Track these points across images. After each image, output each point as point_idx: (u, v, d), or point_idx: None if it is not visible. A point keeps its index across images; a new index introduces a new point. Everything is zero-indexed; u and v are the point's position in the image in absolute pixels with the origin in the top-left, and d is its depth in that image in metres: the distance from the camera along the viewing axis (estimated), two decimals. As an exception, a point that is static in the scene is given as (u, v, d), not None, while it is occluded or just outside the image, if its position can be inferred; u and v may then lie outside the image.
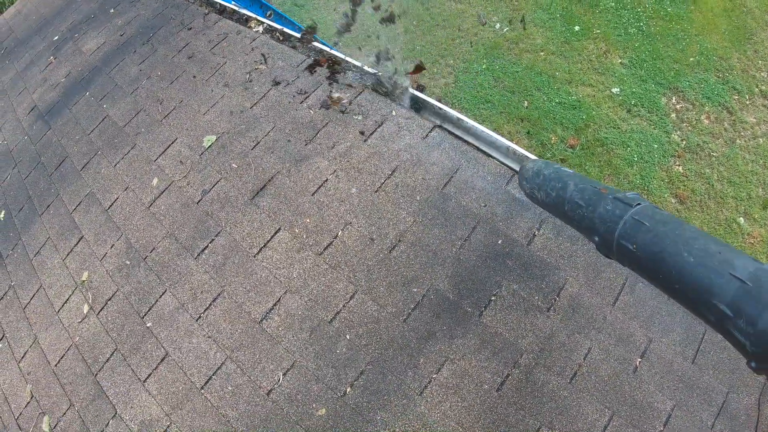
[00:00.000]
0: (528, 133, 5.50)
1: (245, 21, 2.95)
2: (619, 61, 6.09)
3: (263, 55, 2.61)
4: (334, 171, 2.18)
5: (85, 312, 2.22)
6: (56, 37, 3.68)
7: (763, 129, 5.75)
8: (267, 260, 2.05)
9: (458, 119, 2.34)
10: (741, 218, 5.23)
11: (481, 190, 2.12)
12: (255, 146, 2.32)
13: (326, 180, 2.17)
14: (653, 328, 1.84)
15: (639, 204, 1.04)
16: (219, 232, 2.15)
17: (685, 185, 5.31)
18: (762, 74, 6.11)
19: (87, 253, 2.35)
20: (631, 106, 5.73)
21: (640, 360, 1.78)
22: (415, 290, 1.94)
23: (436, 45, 6.28)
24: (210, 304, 2.02)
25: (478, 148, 2.33)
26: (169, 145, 2.47)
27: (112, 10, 3.49)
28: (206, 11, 3.03)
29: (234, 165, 2.29)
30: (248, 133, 2.37)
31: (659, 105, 5.75)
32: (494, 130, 5.15)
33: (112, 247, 2.30)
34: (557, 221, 1.99)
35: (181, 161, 2.39)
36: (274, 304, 1.97)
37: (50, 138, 2.90)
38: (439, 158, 2.18)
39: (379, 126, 2.27)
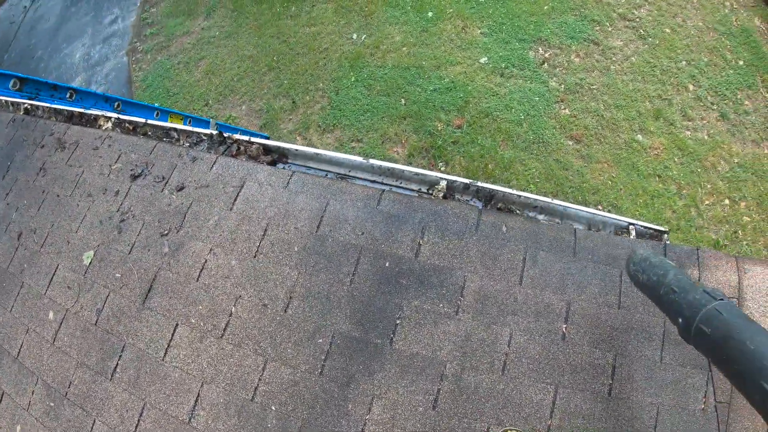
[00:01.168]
0: (414, 128, 5.55)
1: (94, 120, 2.89)
2: (479, 31, 6.17)
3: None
4: (210, 249, 2.18)
5: (25, 468, 2.21)
6: None
7: (632, 48, 5.94)
8: (175, 359, 2.05)
9: (316, 154, 2.36)
10: (638, 135, 5.39)
11: (354, 219, 2.13)
12: (131, 249, 2.30)
13: (205, 261, 2.16)
14: (568, 290, 1.88)
15: (722, 299, 1.18)
16: (124, 347, 2.13)
17: (576, 125, 5.44)
18: None
19: (12, 407, 2.31)
20: (502, 70, 5.83)
21: (565, 326, 1.83)
22: (321, 341, 1.93)
23: (301, 73, 6.28)
24: (138, 420, 2.02)
25: (342, 176, 2.36)
26: (54, 273, 2.43)
27: None
28: (54, 123, 2.96)
29: (117, 274, 2.28)
30: (122, 238, 2.34)
31: (528, 60, 5.87)
32: (381, 136, 5.27)
33: (33, 393, 2.27)
34: (436, 225, 2.04)
35: (68, 286, 2.36)
36: (196, 400, 1.98)
37: None
38: (305, 202, 2.20)
39: (241, 189, 2.28)
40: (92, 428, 2.10)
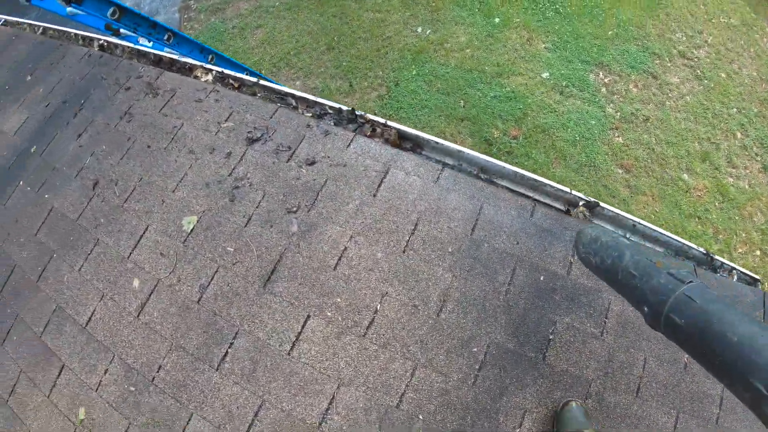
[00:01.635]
0: (470, 132, 5.33)
1: (189, 71, 2.58)
2: (543, 46, 6.00)
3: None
4: (351, 236, 1.91)
5: (95, 456, 1.90)
6: None
7: (687, 87, 5.85)
8: (305, 355, 1.79)
9: (459, 151, 2.16)
10: (685, 174, 5.31)
11: (509, 227, 1.93)
12: (248, 222, 2.02)
13: (345, 249, 1.89)
14: None
15: (691, 281, 1.06)
16: (236, 334, 1.86)
17: (627, 154, 5.33)
18: (677, 35, 6.20)
19: (75, 384, 1.99)
20: (563, 88, 5.67)
21: (686, 357, 1.84)
22: (475, 349, 1.77)
23: (362, 58, 6.00)
24: (253, 420, 1.75)
25: (491, 181, 2.17)
26: (142, 235, 2.12)
27: (28, 77, 2.96)
28: (141, 65, 2.62)
29: (230, 248, 2.00)
30: (235, 207, 2.06)
31: (589, 82, 5.74)
32: (437, 134, 5.09)
33: (106, 373, 1.95)
34: None
35: (161, 253, 2.05)
36: (330, 403, 1.74)
37: None
38: (458, 202, 1.98)
39: (385, 176, 2.05)
40: (188, 423, 1.81)
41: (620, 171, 5.23)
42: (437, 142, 2.16)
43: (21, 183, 2.52)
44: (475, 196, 2.00)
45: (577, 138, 5.34)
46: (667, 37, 6.15)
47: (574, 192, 2.18)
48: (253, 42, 6.37)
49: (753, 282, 2.19)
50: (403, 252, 1.88)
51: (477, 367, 1.76)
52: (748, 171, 5.43)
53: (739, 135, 5.60)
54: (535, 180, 2.16)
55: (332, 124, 2.22)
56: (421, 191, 1.98)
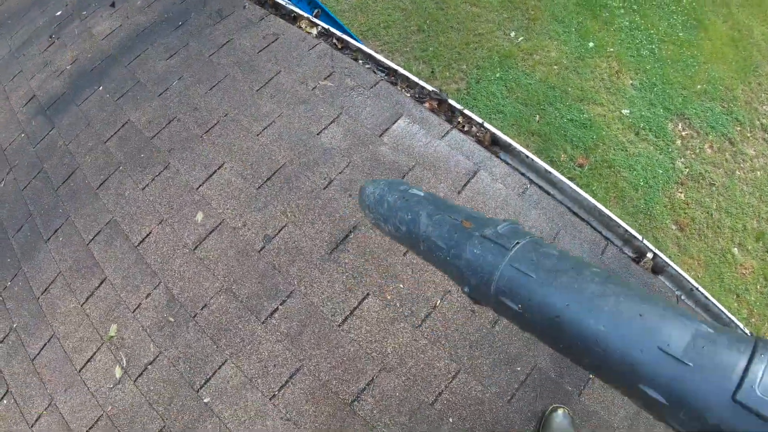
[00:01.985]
0: (538, 148, 5.28)
1: (293, 20, 2.57)
2: (630, 82, 5.93)
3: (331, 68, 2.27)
4: None
5: (117, 376, 1.87)
6: (59, 12, 3.09)
7: (761, 162, 5.75)
8: (355, 331, 1.77)
9: (546, 171, 2.13)
10: (735, 249, 5.23)
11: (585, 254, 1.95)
12: (328, 185, 2.01)
13: None
14: None
15: (518, 243, 0.72)
16: (291, 293, 1.84)
17: (686, 213, 5.28)
18: (764, 108, 6.08)
19: (113, 300, 1.99)
20: (639, 129, 5.61)
21: None
22: (519, 369, 1.76)
23: (449, 48, 5.95)
24: (287, 382, 1.73)
25: (571, 211, 2.15)
26: (215, 171, 2.11)
27: None
28: (247, 1, 2.62)
29: (303, 206, 1.99)
30: (317, 167, 2.05)
31: (666, 130, 5.66)
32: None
33: (147, 297, 1.95)
34: None
35: (232, 195, 2.05)
36: (367, 384, 1.71)
37: (54, 139, 2.44)
38: (537, 220, 1.94)
39: (473, 177, 2.02)
40: (221, 367, 1.80)
41: (674, 227, 5.16)
42: (527, 156, 2.13)
43: (101, 88, 2.52)
44: (554, 220, 1.97)
45: (641, 183, 5.27)
46: (754, 106, 6.02)
47: (645, 241, 2.15)
48: (345, 5, 6.35)
49: None
50: (476, 255, 1.86)
51: (516, 386, 1.75)
52: (798, 261, 5.36)
53: (799, 223, 5.53)
54: (611, 219, 2.13)
55: (429, 110, 2.20)
56: (504, 200, 1.96)
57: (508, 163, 2.16)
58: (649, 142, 5.55)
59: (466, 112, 2.21)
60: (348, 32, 3.38)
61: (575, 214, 2.09)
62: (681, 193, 5.35)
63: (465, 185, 1.96)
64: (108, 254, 2.05)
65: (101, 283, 2.02)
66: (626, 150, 5.45)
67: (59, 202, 2.24)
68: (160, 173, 2.15)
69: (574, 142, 5.41)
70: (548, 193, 2.10)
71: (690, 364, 0.50)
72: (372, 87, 2.19)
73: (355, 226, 1.89)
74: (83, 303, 2.01)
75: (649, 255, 2.14)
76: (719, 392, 0.47)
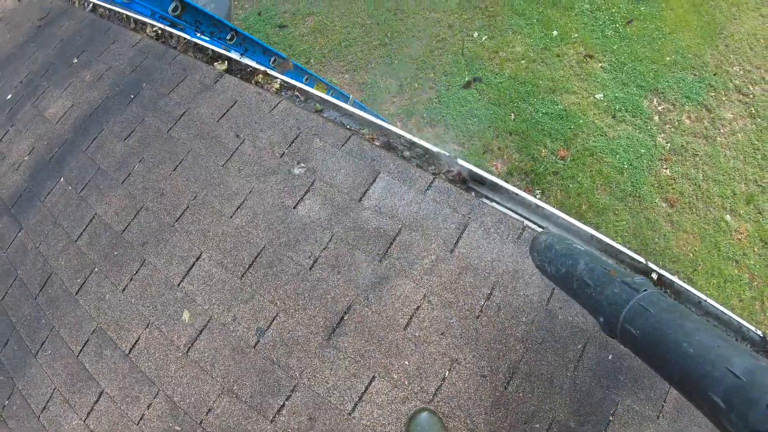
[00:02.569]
0: (518, 147, 5.23)
1: (251, 75, 2.49)
2: (600, 65, 5.92)
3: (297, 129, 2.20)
4: (424, 295, 1.82)
5: (132, 496, 1.87)
6: (9, 96, 3.00)
7: (740, 124, 5.77)
8: (366, 417, 1.73)
9: (537, 206, 2.11)
10: (728, 216, 5.26)
11: (585, 302, 1.93)
12: (313, 264, 1.96)
13: (417, 308, 1.81)
14: None
15: (646, 290, 1.08)
16: (295, 386, 1.80)
17: (673, 188, 5.28)
18: (735, 69, 6.08)
19: (115, 413, 1.94)
20: (615, 112, 5.61)
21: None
22: (537, 426, 1.71)
23: (414, 58, 5.87)
24: (306, 480, 1.73)
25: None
26: (194, 263, 2.05)
27: (75, 60, 2.85)
28: (199, 63, 2.53)
29: (291, 291, 1.96)
30: (299, 246, 1.99)
31: (642, 108, 5.66)
32: (484, 146, 5.04)
33: (149, 407, 1.89)
34: None
35: (216, 287, 2.01)
36: (390, 468, 1.72)
37: (24, 242, 2.34)
38: (535, 267, 1.95)
39: (463, 231, 1.99)
40: (236, 473, 1.79)
41: (664, 205, 5.17)
42: (516, 193, 2.11)
43: (62, 180, 2.45)
44: (554, 263, 1.95)
45: (625, 166, 5.26)
46: (725, 69, 6.01)
47: (650, 264, 2.14)
48: (304, 29, 6.24)
49: None
50: (477, 318, 1.81)
51: (538, 442, 1.73)
52: (791, 219, 5.41)
53: (787, 180, 5.56)
54: (612, 246, 2.12)
55: (406, 160, 2.16)
56: (500, 251, 1.91)
57: (496, 202, 2.14)
58: (627, 123, 5.53)
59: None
60: (309, 72, 3.30)
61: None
62: (666, 169, 5.35)
63: (456, 243, 1.92)
64: (100, 366, 2.00)
65: (99, 396, 1.97)
66: (605, 135, 5.42)
67: (41, 312, 2.18)
68: (137, 271, 2.09)
69: (552, 135, 5.38)
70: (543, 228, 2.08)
71: (744, 379, 0.78)
72: (343, 144, 2.13)
73: (350, 306, 1.84)
74: (85, 419, 1.96)
75: (654, 275, 2.13)
76: (759, 402, 0.74)
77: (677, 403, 1.81)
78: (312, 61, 5.83)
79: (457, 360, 1.76)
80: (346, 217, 1.95)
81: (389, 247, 1.91)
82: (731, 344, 0.85)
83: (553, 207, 2.01)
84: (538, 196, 4.99)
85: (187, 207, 2.11)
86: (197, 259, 2.01)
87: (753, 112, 5.74)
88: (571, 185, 5.03)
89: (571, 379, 1.77)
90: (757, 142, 5.57)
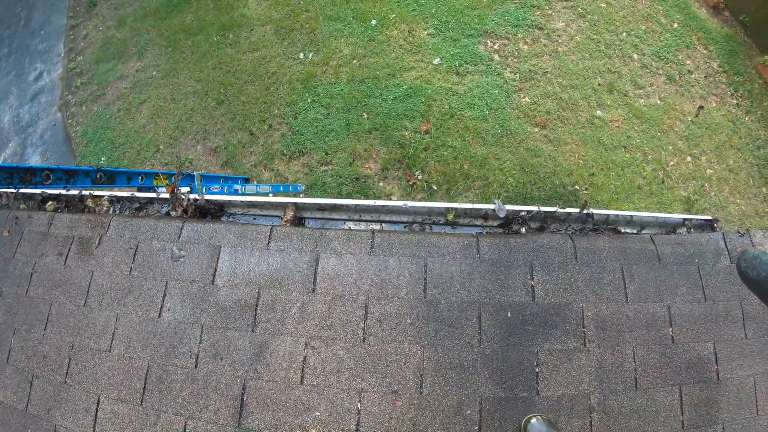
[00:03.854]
0: (382, 141, 5.24)
1: (80, 202, 2.35)
2: (426, 33, 5.93)
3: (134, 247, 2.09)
4: (306, 344, 1.76)
5: None
6: None
7: (574, 27, 5.90)
8: None
9: (383, 206, 2.05)
10: (598, 111, 5.39)
11: (459, 274, 1.84)
12: (197, 362, 1.83)
13: (304, 358, 1.76)
14: (664, 296, 1.91)
15: None
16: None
17: (538, 111, 5.36)
18: None
19: None
20: (457, 68, 5.63)
21: (671, 329, 1.86)
22: (469, 412, 1.68)
23: (253, 102, 5.78)
24: None
25: (428, 223, 2.07)
26: (97, 408, 1.90)
27: None
28: (29, 212, 2.36)
29: (189, 396, 1.84)
30: (178, 350, 1.84)
31: (480, 54, 5.70)
32: (350, 154, 4.99)
33: None
34: (539, 262, 1.89)
35: (123, 424, 1.88)
36: None
37: None
38: (400, 266, 1.85)
39: (317, 265, 1.90)
40: None
41: (537, 129, 5.26)
42: (357, 205, 2.04)
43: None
44: (415, 254, 1.88)
45: (486, 112, 5.33)
46: (540, -15, 6.16)
47: (510, 206, 2.10)
48: (142, 119, 6.09)
49: (709, 223, 2.24)
50: (363, 341, 1.76)
51: (477, 428, 1.68)
52: (654, 87, 5.56)
53: (635, 56, 5.71)
54: (457, 208, 2.07)
55: (242, 220, 2.06)
56: (359, 269, 1.86)
57: (342, 221, 2.07)
58: (471, 73, 5.62)
59: (274, 199, 2.07)
60: (129, 171, 3.15)
61: (428, 232, 2.02)
62: (524, 97, 5.45)
63: (315, 280, 1.85)
64: None
65: None
66: (457, 93, 5.49)
67: None
68: (51, 438, 1.95)
69: (408, 115, 5.40)
70: (401, 227, 2.02)
71: None
72: (179, 236, 2.04)
73: (244, 385, 1.78)
74: None
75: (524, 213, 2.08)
76: None
77: (598, 322, 1.83)
78: (161, 146, 5.69)
79: (363, 389, 1.72)
80: (207, 304, 1.89)
81: (256, 314, 1.87)
82: None
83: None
84: (420, 177, 4.95)
85: (70, 359, 2.00)
86: (98, 404, 1.91)
87: (581, 11, 5.91)
88: (445, 153, 5.05)
89: (480, 353, 1.76)
90: (595, 36, 5.73)
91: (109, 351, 1.96)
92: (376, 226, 2.05)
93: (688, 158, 5.20)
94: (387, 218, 2.10)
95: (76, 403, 1.96)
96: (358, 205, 2.03)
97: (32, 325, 2.16)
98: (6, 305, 2.26)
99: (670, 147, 5.23)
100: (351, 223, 2.06)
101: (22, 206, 2.50)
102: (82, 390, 1.97)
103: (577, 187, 4.95)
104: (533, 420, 1.66)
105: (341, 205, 2.05)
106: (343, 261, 1.88)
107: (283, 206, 2.06)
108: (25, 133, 6.53)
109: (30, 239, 2.33)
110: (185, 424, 1.79)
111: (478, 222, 2.13)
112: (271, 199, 2.06)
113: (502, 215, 2.05)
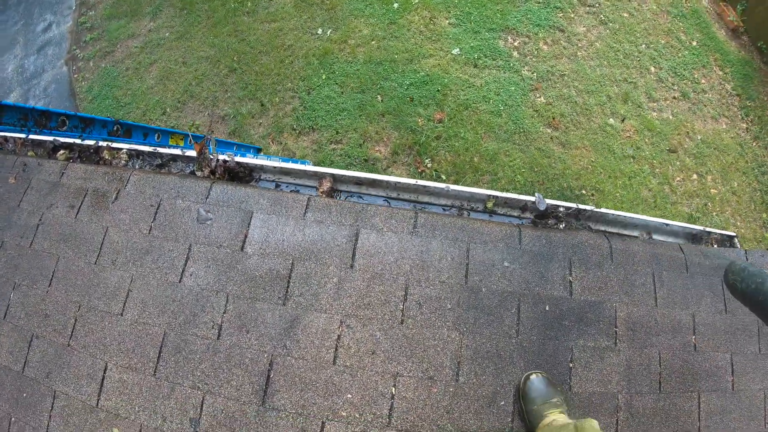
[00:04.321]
0: (394, 125, 5.13)
1: (96, 153, 2.20)
2: (448, 22, 5.81)
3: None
4: (341, 322, 1.66)
5: None
6: None
7: (595, 33, 5.84)
8: None
9: (424, 187, 1.96)
10: (610, 119, 5.33)
11: (500, 262, 1.76)
12: (220, 333, 1.70)
13: (338, 337, 1.65)
14: (690, 304, 1.91)
15: None
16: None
17: (552, 112, 5.28)
18: None
19: None
20: (476, 61, 5.53)
21: (694, 337, 1.88)
22: (503, 402, 1.62)
23: (267, 74, 5.62)
24: None
25: (465, 209, 1.99)
26: (103, 376, 1.77)
27: None
28: (39, 160, 2.20)
29: (208, 369, 1.71)
30: (199, 319, 1.71)
31: (500, 49, 5.61)
32: (361, 135, 4.87)
33: None
34: (578, 259, 1.86)
35: (134, 392, 1.73)
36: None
37: None
38: (443, 249, 1.75)
39: (356, 241, 1.79)
40: None
41: (549, 130, 5.19)
42: (398, 182, 1.94)
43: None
44: (458, 238, 1.79)
45: (501, 107, 5.25)
46: (565, -13, 6.11)
47: (549, 200, 2.05)
48: (151, 80, 5.90)
49: (729, 239, 2.25)
50: (402, 323, 1.66)
51: (509, 419, 1.62)
52: (668, 102, 5.54)
53: (652, 69, 5.69)
54: (498, 196, 2.01)
55: (276, 187, 1.95)
56: (400, 248, 1.76)
57: (382, 199, 1.97)
58: (489, 67, 5.52)
59: (307, 167, 1.96)
60: (147, 127, 3.00)
61: (471, 211, 1.95)
62: (540, 97, 5.37)
63: (353, 256, 1.75)
64: None
65: None
66: (473, 85, 5.38)
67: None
68: (53, 405, 1.82)
69: (423, 102, 5.29)
70: (439, 209, 1.94)
71: None
72: (207, 197, 1.91)
73: (271, 361, 1.66)
74: None
75: (562, 209, 2.06)
76: None
77: (628, 323, 1.81)
78: (168, 109, 5.51)
79: (398, 373, 1.61)
80: (234, 272, 1.75)
81: (288, 287, 1.74)
82: None
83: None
84: (429, 165, 4.87)
85: (76, 320, 1.86)
86: (105, 371, 1.77)
87: (603, 18, 5.85)
88: (456, 143, 4.96)
89: (517, 344, 1.71)
90: (615, 44, 5.68)
91: (121, 315, 1.83)
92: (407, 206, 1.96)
93: (694, 176, 5.21)
94: (426, 200, 2.01)
95: (80, 369, 1.82)
96: (398, 182, 1.93)
97: (35, 281, 2.01)
98: (7, 257, 2.10)
99: (678, 163, 5.23)
100: (383, 200, 1.96)
101: (30, 153, 2.34)
102: (88, 354, 1.83)
103: (583, 191, 4.92)
104: (533, 376, 1.63)
105: (380, 181, 1.95)
106: (384, 238, 1.77)
107: (319, 176, 1.94)
108: (29, 84, 6.31)
109: (38, 188, 2.18)
110: (203, 399, 1.66)
111: (515, 213, 2.07)
112: (306, 167, 1.95)
113: (542, 208, 2.00)
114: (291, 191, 1.95)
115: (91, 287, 1.90)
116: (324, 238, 1.78)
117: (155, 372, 1.72)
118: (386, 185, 1.96)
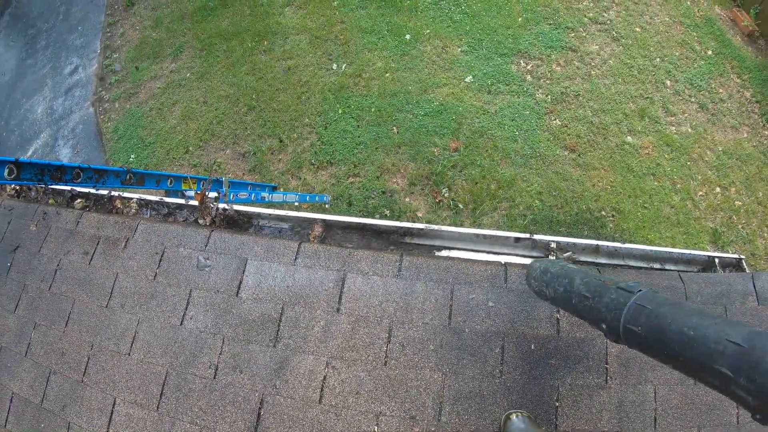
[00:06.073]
0: (410, 156, 5.21)
1: (109, 202, 2.36)
2: (460, 50, 5.91)
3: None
4: (327, 363, 1.75)
5: None
6: None
7: (608, 51, 5.85)
8: None
9: (420, 230, 2.02)
10: (628, 137, 5.30)
11: (485, 303, 1.81)
12: (216, 372, 1.82)
13: (324, 377, 1.74)
14: None
15: (640, 290, 1.11)
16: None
17: (568, 135, 5.28)
18: (584, 3, 6.19)
19: None
20: (489, 87, 5.59)
21: None
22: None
23: (285, 110, 5.79)
24: None
25: (456, 255, 2.05)
26: (113, 410, 1.92)
27: None
28: (57, 208, 2.38)
29: (206, 406, 1.82)
30: (198, 359, 1.85)
31: (512, 74, 5.66)
32: (378, 168, 4.95)
33: None
34: None
35: (138, 427, 1.86)
36: None
37: None
38: (426, 291, 1.82)
39: (343, 285, 1.88)
40: None
41: (566, 153, 5.18)
42: (392, 225, 2.02)
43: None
44: (442, 279, 1.86)
45: (516, 133, 5.28)
46: (575, 7, 6.13)
47: (540, 236, 2.07)
48: (173, 120, 6.13)
49: (737, 263, 2.21)
50: (385, 364, 1.74)
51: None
52: (686, 115, 5.46)
53: (668, 83, 5.62)
54: (494, 236, 2.05)
55: (269, 234, 2.05)
56: (384, 292, 1.84)
57: (370, 242, 2.04)
58: (503, 93, 5.57)
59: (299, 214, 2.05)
60: (157, 174, 3.15)
61: (458, 258, 1.99)
62: (555, 119, 5.38)
63: (340, 300, 1.83)
64: None
65: None
66: (487, 112, 5.44)
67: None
68: (63, 437, 1.95)
69: (438, 132, 5.36)
70: (426, 249, 1.99)
71: (745, 346, 0.82)
72: (206, 245, 2.03)
73: (262, 400, 1.76)
74: None
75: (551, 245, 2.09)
76: (762, 363, 0.78)
77: (621, 359, 1.79)
78: (191, 148, 5.70)
79: (381, 413, 1.69)
80: (230, 316, 1.87)
81: (278, 329, 1.86)
82: (724, 320, 0.91)
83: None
84: (446, 194, 4.90)
85: (89, 358, 2.01)
86: (113, 406, 1.91)
87: (615, 35, 5.83)
88: (473, 171, 4.99)
89: (501, 384, 1.74)
90: (628, 60, 5.65)
91: (129, 354, 1.96)
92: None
93: (717, 189, 5.10)
94: (417, 242, 2.07)
95: (92, 403, 1.96)
96: (384, 225, 2.01)
97: (53, 321, 2.17)
98: (29, 299, 2.27)
99: (700, 177, 5.13)
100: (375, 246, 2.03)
101: (50, 201, 2.52)
102: (99, 390, 1.97)
103: (603, 213, 4.86)
104: (513, 417, 1.64)
105: (368, 225, 2.03)
106: (370, 282, 1.86)
107: (310, 222, 2.04)
108: (58, 125, 6.61)
109: (57, 235, 2.35)
110: (200, 435, 1.78)
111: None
112: (299, 213, 2.05)
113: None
114: (286, 237, 2.04)
115: (102, 328, 2.04)
116: (312, 283, 1.88)
117: (158, 407, 1.85)
118: (373, 227, 2.03)
